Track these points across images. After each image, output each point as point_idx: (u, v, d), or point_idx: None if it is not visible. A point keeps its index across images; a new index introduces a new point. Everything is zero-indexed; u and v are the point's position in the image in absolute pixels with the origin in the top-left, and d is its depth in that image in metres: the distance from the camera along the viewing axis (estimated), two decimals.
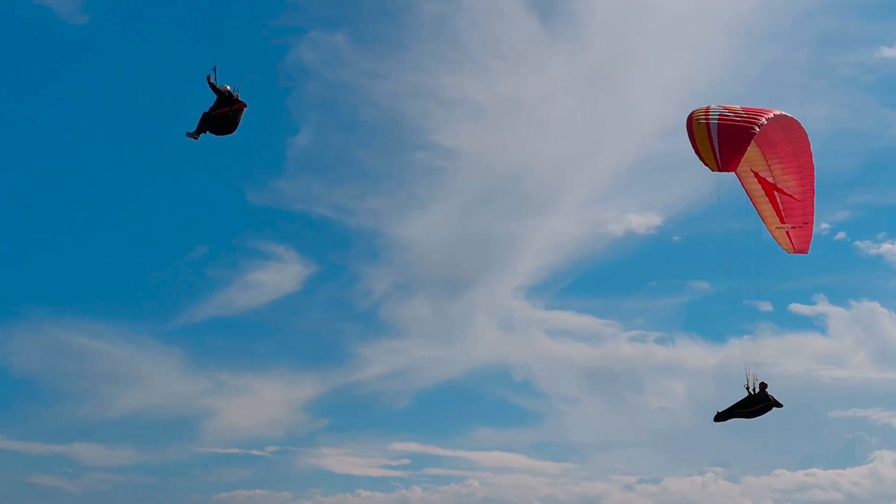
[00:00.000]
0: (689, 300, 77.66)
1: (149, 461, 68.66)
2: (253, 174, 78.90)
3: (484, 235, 78.91)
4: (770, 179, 30.29)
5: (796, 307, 74.71)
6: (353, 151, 79.74)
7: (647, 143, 76.83)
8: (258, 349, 75.12)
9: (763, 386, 28.79)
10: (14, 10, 72.00)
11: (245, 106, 28.15)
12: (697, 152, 26.72)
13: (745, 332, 29.85)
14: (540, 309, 76.50)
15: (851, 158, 78.85)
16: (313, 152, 79.10)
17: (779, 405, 28.89)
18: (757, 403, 28.81)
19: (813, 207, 30.48)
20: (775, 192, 30.47)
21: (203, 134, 28.23)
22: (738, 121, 26.95)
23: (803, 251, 31.31)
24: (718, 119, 26.79)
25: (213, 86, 27.64)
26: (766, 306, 32.15)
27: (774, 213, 30.74)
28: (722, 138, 26.39)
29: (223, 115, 28.00)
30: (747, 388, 28.81)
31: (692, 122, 26.98)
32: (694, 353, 75.00)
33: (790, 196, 30.35)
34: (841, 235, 76.52)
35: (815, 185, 30.17)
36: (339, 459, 70.65)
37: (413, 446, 71.60)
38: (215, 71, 27.67)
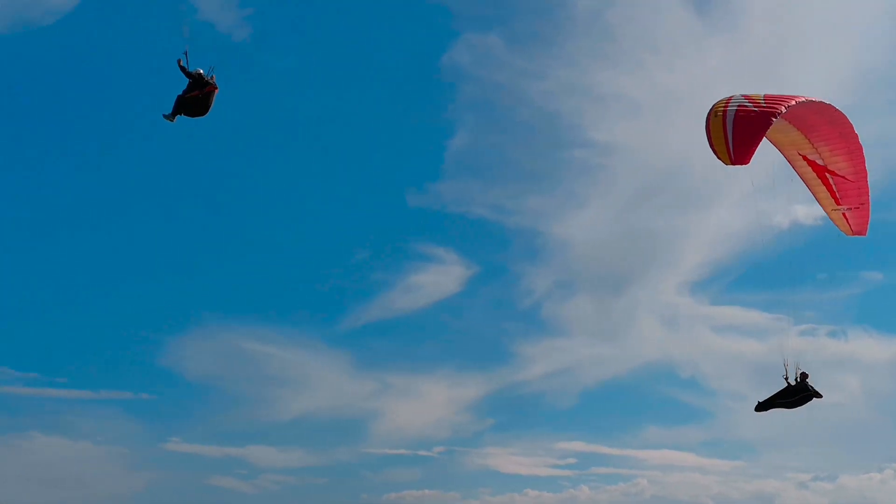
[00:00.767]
0: (862, 291, 74.54)
1: (319, 462, 70.02)
2: (412, 177, 79.93)
3: (645, 231, 77.50)
4: (820, 162, 29.91)
5: None
6: (509, 151, 79.97)
7: None
8: (422, 350, 75.93)
9: (804, 376, 28.76)
10: (177, 25, 74.63)
11: (216, 88, 28.45)
12: (711, 146, 26.64)
13: None
14: (705, 304, 75.03)
15: None
16: (470, 154, 79.10)
17: (818, 395, 28.84)
18: (797, 394, 28.81)
19: (867, 188, 30.02)
20: (827, 174, 30.07)
21: (179, 116, 28.65)
22: (756, 111, 26.69)
23: (861, 233, 30.89)
24: (736, 109, 26.67)
25: (183, 69, 28.11)
26: None
27: (829, 196, 30.38)
28: (736, 130, 26.34)
29: (194, 98, 28.36)
30: (786, 379, 28.71)
31: (710, 115, 26.88)
32: (868, 346, 72.04)
33: (843, 177, 29.88)
34: None
35: (865, 165, 29.48)
36: (505, 459, 70.60)
37: (579, 445, 71.24)
38: (186, 55, 28.12)
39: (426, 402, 73.08)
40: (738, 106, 26.67)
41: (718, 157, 26.54)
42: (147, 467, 67.03)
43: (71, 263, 71.27)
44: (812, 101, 27.79)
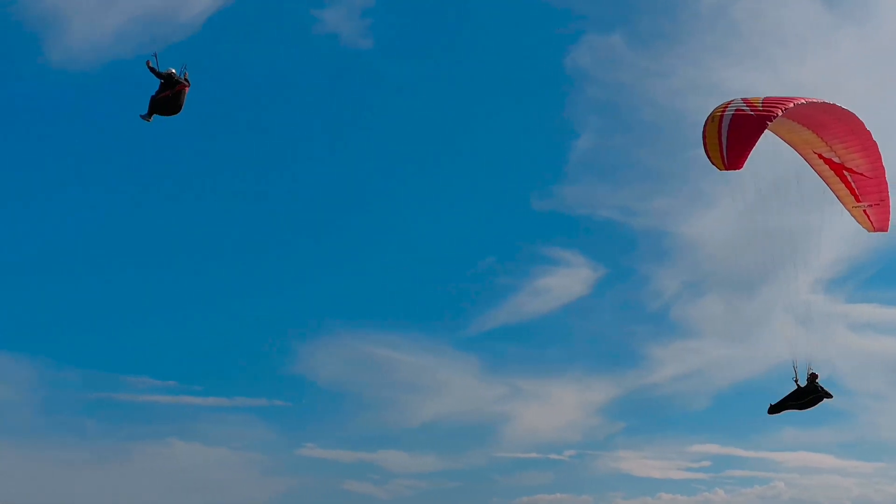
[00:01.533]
0: None
1: (451, 467, 70.09)
2: (537, 181, 79.79)
3: (775, 229, 74.80)
4: (836, 160, 29.91)
5: None
6: (634, 152, 78.97)
7: None
8: (550, 354, 75.22)
9: (813, 377, 28.86)
10: (303, 39, 76.86)
11: (186, 86, 29.12)
12: (706, 152, 26.91)
13: None
14: (840, 302, 71.47)
15: None
16: (595, 155, 78.73)
17: (829, 396, 28.94)
18: (807, 395, 29.00)
19: (886, 184, 29.91)
20: (845, 172, 30.05)
21: (155, 115, 29.26)
22: (752, 114, 26.80)
23: (883, 229, 30.75)
24: (733, 114, 26.86)
25: (153, 70, 28.72)
26: None
27: (849, 193, 30.40)
28: (731, 134, 26.57)
29: (165, 98, 28.97)
30: (796, 381, 28.86)
31: (707, 120, 27.14)
32: None
33: (861, 174, 29.84)
34: None
35: (882, 161, 29.26)
36: (638, 462, 69.90)
37: (714, 448, 70.20)
38: (156, 56, 28.80)
39: (556, 406, 72.98)
40: (736, 110, 26.83)
41: (712, 163, 26.80)
42: (282, 473, 68.34)
43: (205, 273, 73.74)
44: (814, 101, 27.68)
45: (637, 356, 73.89)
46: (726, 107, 27.06)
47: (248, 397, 68.80)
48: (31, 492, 60.98)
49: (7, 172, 72.64)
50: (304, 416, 70.49)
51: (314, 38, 75.49)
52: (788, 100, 27.15)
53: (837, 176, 30.02)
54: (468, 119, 79.90)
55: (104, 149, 74.37)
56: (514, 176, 79.88)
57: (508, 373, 72.89)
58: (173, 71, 28.85)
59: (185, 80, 29.02)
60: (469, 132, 79.89)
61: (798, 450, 69.77)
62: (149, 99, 29.00)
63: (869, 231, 30.69)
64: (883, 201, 29.87)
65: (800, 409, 29.11)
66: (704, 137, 26.84)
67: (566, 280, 74.54)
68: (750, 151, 26.29)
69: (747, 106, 26.91)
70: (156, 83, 29.06)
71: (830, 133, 29.05)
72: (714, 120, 26.71)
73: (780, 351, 71.53)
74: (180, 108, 29.14)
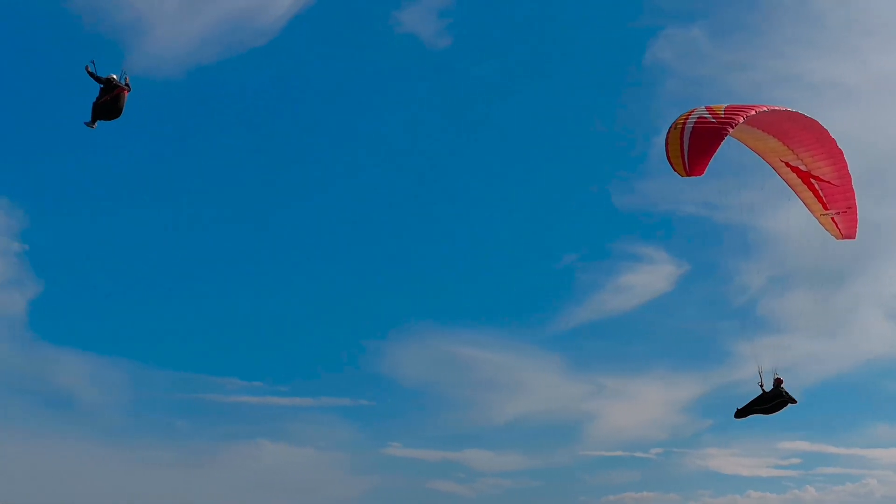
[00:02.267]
0: None
1: (536, 465, 69.72)
2: (617, 177, 79.19)
3: (864, 221, 73.33)
4: (803, 168, 30.17)
5: None
6: None
7: None
8: (635, 351, 75.12)
9: (778, 382, 29.14)
10: (382, 40, 77.39)
11: (125, 90, 29.36)
12: (668, 159, 27.25)
13: None
14: None
15: None
16: None
17: (793, 401, 29.22)
18: (773, 400, 29.28)
19: (853, 192, 30.10)
20: (812, 180, 30.30)
21: (99, 121, 29.44)
22: (714, 122, 27.08)
23: (850, 237, 30.96)
24: (695, 122, 27.11)
25: (92, 75, 29.04)
26: None
27: (816, 200, 30.65)
28: (692, 142, 26.78)
29: (105, 103, 29.18)
30: (761, 386, 29.13)
31: (670, 128, 27.45)
32: None
33: (827, 182, 30.07)
34: None
35: (848, 169, 29.51)
36: (726, 460, 69.29)
37: (803, 445, 69.42)
38: (94, 63, 29.07)
39: (641, 404, 72.44)
40: (698, 118, 27.11)
41: (675, 170, 27.09)
42: (368, 472, 68.80)
43: (291, 275, 74.43)
44: (777, 109, 27.97)
45: (723, 352, 72.22)
46: (689, 116, 27.34)
47: (334, 397, 69.33)
48: (123, 492, 61.99)
49: (98, 180, 74.17)
50: (388, 415, 70.71)
51: (393, 38, 75.76)
52: (750, 108, 27.41)
53: (805, 184, 30.28)
54: (548, 116, 79.35)
55: (191, 155, 76.33)
56: (596, 173, 79.24)
57: (593, 371, 72.73)
58: (114, 76, 29.22)
59: (126, 84, 29.40)
60: (550, 129, 79.25)
61: (891, 446, 69.04)
62: (91, 106, 29.36)
63: (837, 239, 30.89)
64: (850, 209, 30.10)
65: (765, 413, 29.37)
66: (667, 145, 27.12)
67: (649, 276, 74.04)
68: (710, 158, 26.53)
69: (710, 114, 27.19)
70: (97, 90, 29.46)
71: (796, 141, 29.31)
72: (676, 128, 27.01)
73: (871, 346, 69.16)
74: (120, 111, 29.39)
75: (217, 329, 72.29)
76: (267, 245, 75.21)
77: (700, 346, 73.86)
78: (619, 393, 72.39)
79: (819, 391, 70.34)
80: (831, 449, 69.04)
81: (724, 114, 27.17)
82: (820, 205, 30.37)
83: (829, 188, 29.93)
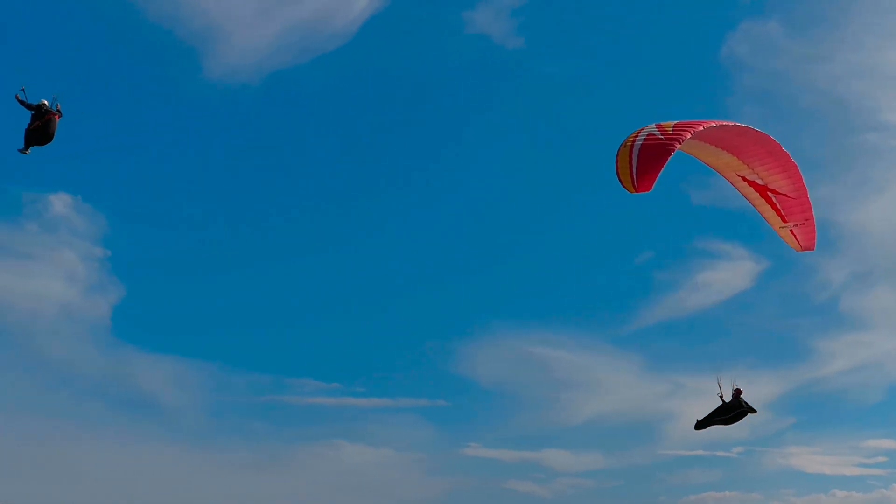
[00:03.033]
0: None
1: (615, 465, 69.79)
2: (695, 174, 78.63)
3: None
4: (760, 182, 30.54)
5: None
6: (795, 140, 76.38)
7: None
8: (714, 350, 73.56)
9: (737, 393, 29.40)
10: (454, 40, 78.41)
11: (55, 115, 29.88)
12: (617, 176, 27.80)
13: None
14: None
15: None
16: None
17: (752, 411, 29.42)
18: (732, 410, 29.50)
19: (809, 203, 30.52)
20: (769, 193, 30.67)
21: (32, 147, 29.98)
22: (662, 139, 27.53)
23: (810, 248, 31.31)
24: (644, 140, 27.56)
25: (22, 102, 29.67)
26: None
27: (775, 214, 30.99)
28: (641, 158, 27.18)
29: (36, 128, 29.75)
30: (721, 397, 29.45)
31: (620, 147, 27.98)
32: None
33: (784, 195, 30.48)
34: None
35: (803, 181, 29.94)
36: (809, 458, 69.33)
37: (889, 443, 69.11)
38: (24, 90, 29.67)
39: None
40: (647, 136, 27.57)
41: (623, 186, 27.61)
42: (446, 472, 69.33)
43: (367, 276, 75.47)
44: (726, 124, 28.44)
45: (804, 350, 72.81)
46: (638, 134, 27.83)
47: (411, 398, 70.02)
48: (204, 493, 63.41)
49: (177, 185, 76.61)
50: (466, 415, 71.17)
51: (465, 39, 77.01)
52: (698, 124, 27.88)
53: (763, 197, 30.66)
54: (622, 113, 78.75)
55: (268, 159, 78.35)
56: (672, 169, 78.84)
57: (671, 370, 71.95)
58: (45, 102, 29.88)
59: (57, 110, 30.10)
60: (624, 127, 79.11)
61: None
62: (23, 132, 30.06)
63: (797, 251, 31.26)
64: (808, 220, 30.50)
65: (725, 423, 29.65)
66: (616, 162, 27.61)
67: (728, 274, 73.63)
68: (657, 174, 26.95)
69: (658, 131, 27.66)
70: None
71: (750, 155, 29.75)
72: (626, 146, 27.49)
73: None
74: (51, 137, 29.93)
75: (295, 331, 73.69)
76: (344, 247, 76.69)
77: (781, 343, 73.63)
78: (697, 391, 70.00)
79: None
80: None
81: (672, 130, 27.62)
82: (779, 218, 30.76)
83: (786, 201, 30.33)
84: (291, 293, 74.44)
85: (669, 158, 27.16)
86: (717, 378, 29.57)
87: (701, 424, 29.93)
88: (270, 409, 68.25)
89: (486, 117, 79.61)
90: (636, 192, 27.22)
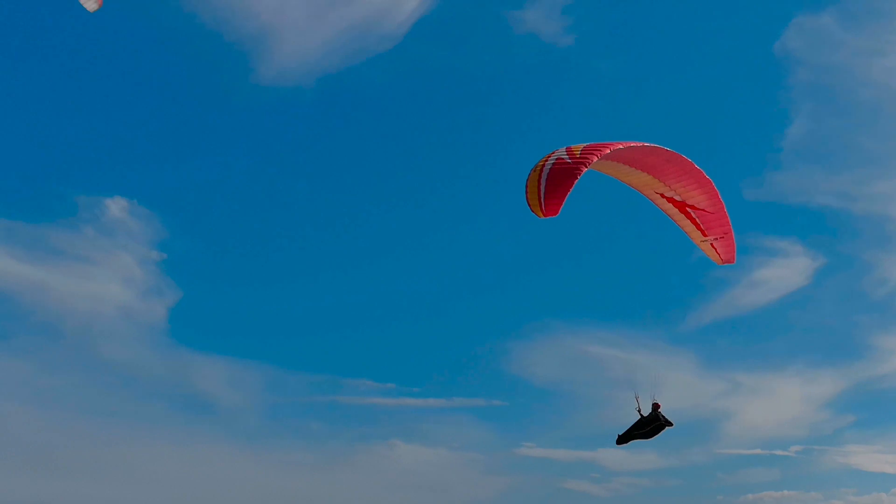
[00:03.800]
0: None
1: (672, 465, 69.74)
2: (749, 170, 78.51)
3: None
4: (678, 198, 31.05)
5: None
6: (852, 135, 77.29)
7: None
8: (771, 347, 74.10)
9: (655, 407, 30.00)
10: (504, 39, 79.03)
11: None
12: (527, 201, 28.49)
13: None
14: None
15: None
16: (810, 141, 77.12)
17: (669, 424, 29.97)
18: (650, 424, 30.07)
19: (727, 217, 30.98)
20: (688, 209, 31.21)
21: None
22: (570, 163, 28.11)
23: (730, 261, 31.83)
24: (553, 163, 28.16)
25: None
26: None
27: (695, 228, 31.51)
28: (549, 183, 27.75)
29: None
30: (639, 411, 30.08)
31: (531, 172, 28.65)
32: None
33: (703, 210, 30.97)
34: None
35: (720, 196, 30.47)
36: (869, 457, 68.90)
37: None
38: None
39: (779, 401, 72.10)
40: (556, 160, 28.12)
41: (532, 211, 28.30)
42: (502, 472, 69.85)
43: (421, 277, 76.40)
44: (636, 145, 28.94)
45: (863, 347, 72.33)
46: (548, 158, 28.44)
47: (466, 397, 70.47)
48: (261, 494, 64.50)
49: (231, 188, 78.05)
50: (521, 415, 71.33)
51: (515, 38, 77.26)
52: (606, 146, 28.39)
53: (682, 213, 31.18)
54: (675, 110, 79.19)
55: (319, 162, 79.29)
56: (726, 166, 77.57)
57: (728, 368, 72.20)
58: None
59: None
60: (677, 123, 78.51)
61: None
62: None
63: (718, 263, 31.80)
64: (727, 234, 31.01)
65: (644, 437, 30.21)
66: (526, 186, 28.32)
67: (784, 270, 73.50)
68: (564, 198, 27.49)
69: (567, 154, 28.25)
70: None
71: (665, 173, 30.24)
72: (535, 171, 28.11)
73: None
74: None
75: (350, 331, 74.43)
76: (397, 248, 77.38)
77: (839, 340, 73.48)
78: (755, 390, 72.04)
79: None
80: None
81: (580, 154, 28.21)
82: (699, 232, 31.25)
83: (704, 216, 30.84)
84: (346, 293, 75.32)
85: (576, 182, 27.73)
86: (635, 393, 30.15)
87: (622, 439, 30.51)
88: (327, 410, 69.14)
89: (538, 116, 79.48)
90: (543, 216, 27.84)
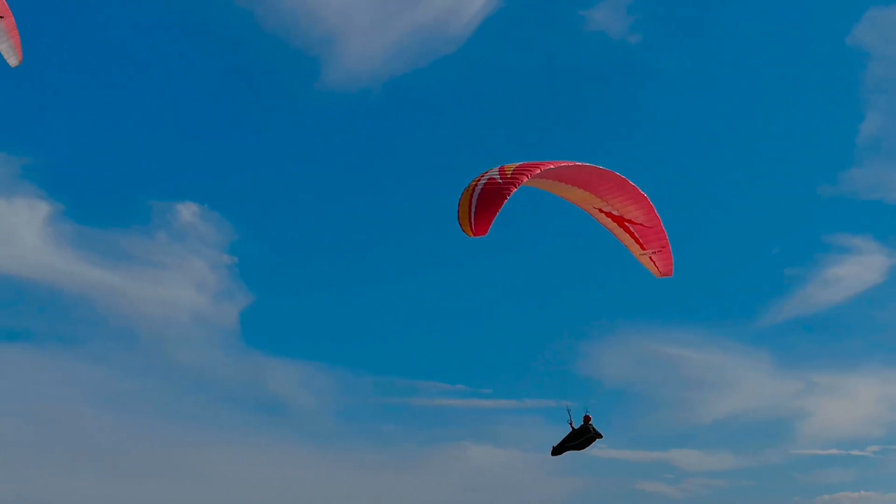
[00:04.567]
0: None
1: (747, 465, 70.02)
2: (822, 167, 78.86)
3: None
4: (616, 213, 31.57)
5: None
6: None
7: None
8: (846, 346, 74.07)
9: (586, 419, 30.74)
10: (572, 38, 79.97)
11: None
12: (459, 220, 29.19)
13: None
14: None
15: None
16: (885, 136, 77.10)
17: (599, 436, 30.67)
18: (582, 436, 30.82)
19: (664, 232, 31.44)
20: (626, 223, 31.70)
21: None
22: (500, 183, 28.69)
23: (668, 274, 32.32)
24: (485, 183, 28.74)
25: None
26: None
27: (634, 242, 32.03)
28: (479, 203, 28.32)
29: None
30: (570, 424, 30.82)
31: (464, 192, 29.24)
32: None
33: (640, 224, 31.48)
34: None
35: (656, 211, 30.93)
36: None
37: None
38: None
39: (855, 400, 71.93)
40: (488, 180, 28.67)
41: (462, 230, 29.00)
42: (574, 473, 69.75)
43: (491, 277, 76.40)
44: (567, 164, 29.35)
45: None
46: (481, 178, 28.99)
47: (537, 399, 70.10)
48: (335, 496, 66.25)
49: (300, 191, 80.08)
50: (592, 416, 70.14)
51: (583, 36, 78.02)
52: (537, 165, 28.87)
53: (621, 227, 31.66)
54: (746, 107, 79.50)
55: (387, 164, 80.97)
56: (799, 163, 78.97)
57: (803, 367, 72.25)
58: None
59: None
60: (748, 121, 79.51)
61: None
62: None
63: (657, 276, 32.28)
64: (664, 248, 31.48)
65: (577, 449, 30.95)
66: (458, 206, 28.99)
67: (858, 268, 73.38)
68: (493, 218, 28.09)
69: (499, 174, 28.82)
70: None
71: (601, 189, 30.69)
72: (468, 190, 28.75)
73: None
74: None
75: (420, 333, 75.66)
76: (466, 249, 79.94)
77: None
78: (831, 389, 71.85)
79: None
80: None
81: (511, 174, 28.79)
82: (638, 246, 31.76)
83: (642, 230, 31.33)
84: (416, 295, 76.18)
85: (505, 202, 28.30)
86: (567, 407, 30.84)
87: (556, 451, 31.21)
88: (398, 412, 69.88)
89: (607, 115, 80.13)
90: (473, 235, 28.50)
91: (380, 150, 79.51)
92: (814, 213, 76.70)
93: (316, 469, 67.40)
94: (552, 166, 29.17)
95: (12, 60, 35.79)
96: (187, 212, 73.01)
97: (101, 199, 76.24)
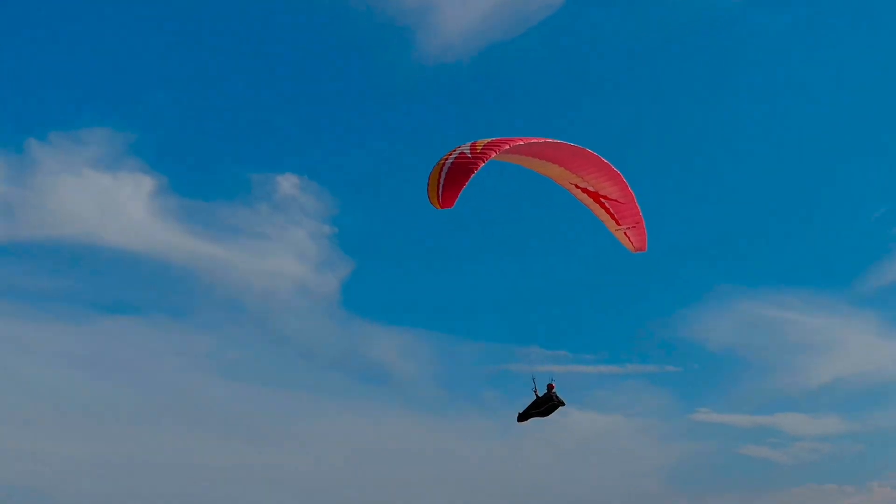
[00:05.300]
0: None
1: (855, 429, 69.27)
2: None
3: None
4: (591, 189, 31.99)
5: None
6: None
7: None
8: None
9: (550, 387, 31.67)
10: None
11: None
12: (428, 193, 30.29)
13: None
14: None
15: None
16: None
17: (562, 403, 31.45)
18: (545, 403, 31.78)
19: (638, 208, 31.81)
20: (601, 199, 32.15)
21: None
22: (469, 157, 29.56)
23: (642, 249, 32.74)
24: (455, 158, 29.68)
25: None
26: None
27: (609, 217, 32.45)
28: (448, 176, 29.12)
29: None
30: (535, 392, 31.81)
31: (434, 167, 30.20)
32: None
33: (615, 200, 31.93)
34: None
35: (630, 188, 31.45)
36: None
37: None
38: None
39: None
40: (458, 155, 29.48)
41: (430, 203, 30.03)
42: (677, 438, 70.94)
43: (592, 244, 76.14)
44: (536, 141, 29.94)
45: None
46: (452, 153, 29.86)
47: (640, 364, 71.37)
48: (438, 462, 67.80)
49: (398, 162, 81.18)
50: (696, 381, 71.70)
51: None
52: (506, 141, 29.50)
53: (597, 203, 32.04)
54: (848, 66, 78.68)
55: (486, 135, 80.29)
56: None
57: None
58: None
59: None
60: (851, 79, 78.43)
61: None
62: None
63: (631, 251, 32.76)
64: (638, 224, 31.86)
65: (541, 416, 31.83)
66: (428, 179, 29.99)
67: None
68: (459, 191, 28.88)
69: (470, 149, 29.62)
70: None
71: (575, 166, 31.08)
72: (438, 166, 29.61)
73: None
74: None
75: (520, 299, 74.82)
76: (566, 215, 77.71)
77: None
78: None
79: None
80: None
81: (481, 150, 29.53)
82: (613, 221, 32.14)
83: (617, 206, 31.75)
84: (516, 261, 74.89)
85: (472, 177, 29.10)
86: (532, 375, 31.70)
87: (521, 417, 32.15)
88: (499, 378, 68.49)
89: (707, 76, 79.79)
90: (440, 207, 29.50)
91: (478, 119, 79.28)
92: None
93: (420, 435, 68.52)
94: (521, 143, 29.71)
95: None
96: (287, 183, 74.80)
97: (203, 172, 78.84)
